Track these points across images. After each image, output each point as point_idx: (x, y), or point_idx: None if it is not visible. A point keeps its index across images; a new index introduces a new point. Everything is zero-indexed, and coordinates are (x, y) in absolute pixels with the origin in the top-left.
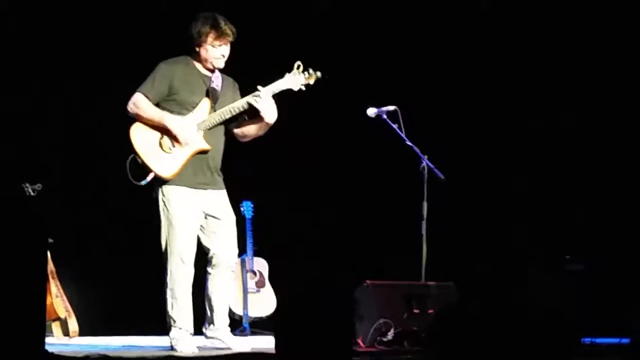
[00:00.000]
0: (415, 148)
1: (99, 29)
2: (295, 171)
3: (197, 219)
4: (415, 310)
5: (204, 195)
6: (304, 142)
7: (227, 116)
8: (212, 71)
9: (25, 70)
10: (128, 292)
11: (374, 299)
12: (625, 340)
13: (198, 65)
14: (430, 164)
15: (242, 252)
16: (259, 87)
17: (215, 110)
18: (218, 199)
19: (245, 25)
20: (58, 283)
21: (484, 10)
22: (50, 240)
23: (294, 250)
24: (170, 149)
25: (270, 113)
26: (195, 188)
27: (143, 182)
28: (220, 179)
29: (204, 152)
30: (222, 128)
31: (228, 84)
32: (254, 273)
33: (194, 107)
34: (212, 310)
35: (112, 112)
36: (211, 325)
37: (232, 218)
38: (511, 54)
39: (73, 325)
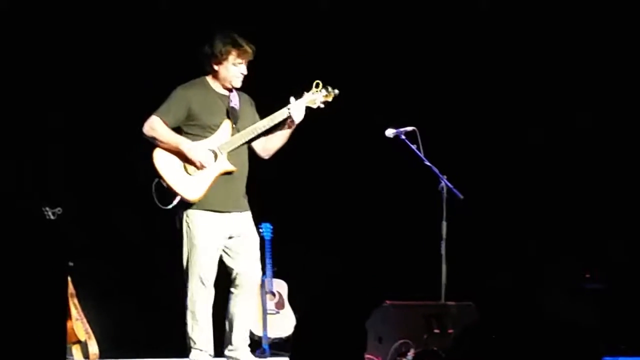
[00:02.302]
0: (434, 168)
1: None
2: (314, 192)
3: (219, 242)
4: (436, 331)
5: (228, 218)
6: (323, 163)
7: (257, 133)
8: (230, 90)
9: (43, 93)
10: (148, 314)
11: (393, 320)
12: None
13: (214, 86)
14: (449, 184)
15: (261, 273)
16: (291, 100)
17: (237, 130)
18: (243, 221)
19: (262, 43)
20: (78, 306)
21: (504, 35)
22: (71, 264)
23: (313, 272)
24: (195, 172)
25: (301, 116)
26: (219, 212)
27: (170, 206)
28: (245, 201)
29: (228, 173)
30: (245, 148)
31: (245, 101)
32: (273, 294)
33: (215, 129)
34: (231, 330)
35: (132, 135)
36: (230, 346)
37: (256, 239)
38: (527, 73)
39: (93, 348)
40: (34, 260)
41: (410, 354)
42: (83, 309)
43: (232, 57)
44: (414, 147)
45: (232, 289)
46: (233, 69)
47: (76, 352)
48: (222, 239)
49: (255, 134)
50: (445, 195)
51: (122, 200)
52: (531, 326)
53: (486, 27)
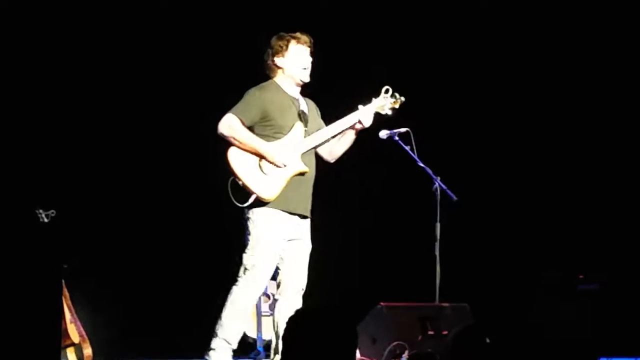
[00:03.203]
0: (428, 169)
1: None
2: None
3: (282, 243)
4: (430, 332)
5: (294, 221)
6: (317, 164)
7: (330, 136)
8: (300, 88)
9: (37, 95)
10: (142, 317)
11: (388, 321)
12: None
13: (285, 87)
14: (442, 185)
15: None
16: (360, 107)
17: (308, 133)
18: (305, 226)
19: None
20: (72, 308)
21: (498, 38)
22: (65, 266)
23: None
24: (270, 172)
25: (370, 121)
26: (289, 213)
27: (246, 204)
28: (309, 206)
29: (301, 174)
30: (313, 152)
31: (311, 106)
32: (268, 296)
33: (287, 131)
34: (277, 338)
35: (127, 137)
36: (277, 356)
37: (310, 247)
38: (521, 76)
39: (87, 350)
40: (29, 262)
41: (405, 356)
42: (77, 312)
43: (292, 46)
44: (407, 148)
45: (275, 295)
46: (297, 60)
47: (70, 354)
48: (283, 241)
49: (328, 137)
50: (439, 196)
51: (116, 203)
52: (525, 328)
53: (479, 31)
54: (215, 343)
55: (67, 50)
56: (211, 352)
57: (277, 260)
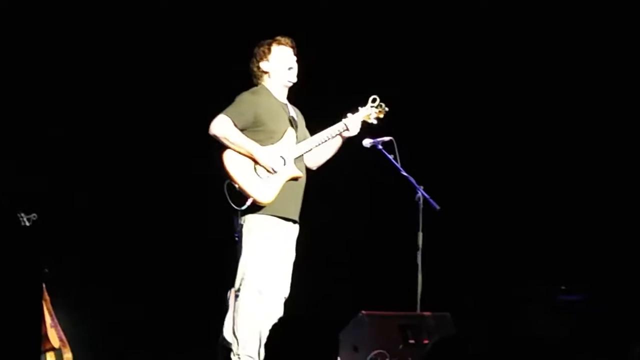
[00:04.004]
0: (411, 178)
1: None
2: None
3: (278, 250)
4: (411, 341)
5: (288, 227)
6: None
7: (321, 142)
8: (286, 96)
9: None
10: (123, 322)
11: (369, 329)
12: None
13: (275, 94)
14: (425, 194)
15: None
16: (348, 115)
17: (298, 139)
18: (294, 233)
19: None
20: (52, 312)
21: (488, 51)
22: (46, 270)
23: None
24: (265, 175)
25: (357, 130)
26: (283, 219)
27: (243, 207)
28: (299, 211)
29: (295, 179)
30: (302, 158)
31: (298, 113)
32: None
33: (279, 136)
34: (260, 344)
35: (108, 139)
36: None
37: (294, 256)
38: (504, 85)
39: (67, 355)
40: (9, 266)
41: None
42: (58, 317)
43: (275, 48)
44: (391, 157)
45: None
46: (281, 61)
47: (50, 359)
48: (278, 246)
49: (319, 143)
50: (421, 205)
51: (98, 206)
52: (506, 338)
53: (462, 41)
54: None
55: (49, 49)
56: None
57: (273, 265)
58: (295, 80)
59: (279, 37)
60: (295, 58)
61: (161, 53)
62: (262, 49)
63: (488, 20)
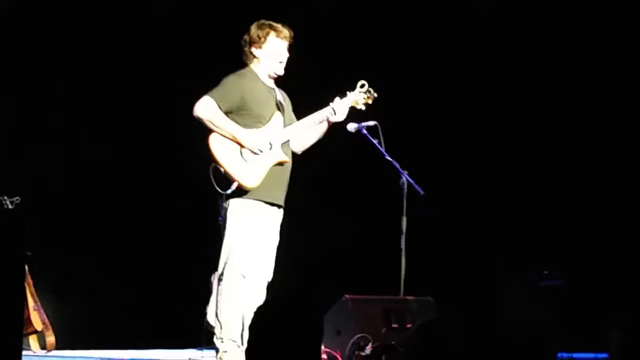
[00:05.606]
0: (395, 163)
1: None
2: None
3: (262, 234)
4: (394, 325)
5: (272, 212)
6: None
7: (308, 127)
8: (274, 81)
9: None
10: (106, 305)
11: (352, 314)
12: (602, 356)
13: (262, 77)
14: (409, 179)
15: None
16: (336, 99)
17: (285, 123)
18: (279, 217)
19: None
20: (35, 296)
21: (475, 36)
22: (28, 253)
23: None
24: (250, 159)
25: (344, 115)
26: (268, 204)
27: (229, 191)
28: (284, 196)
29: (281, 164)
30: (288, 143)
31: (285, 97)
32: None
33: (265, 121)
34: (243, 328)
35: (94, 122)
36: (243, 346)
37: (277, 240)
38: (492, 71)
39: (50, 338)
40: None
41: (368, 348)
42: (40, 300)
43: (271, 38)
44: (375, 141)
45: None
46: (274, 53)
47: (33, 342)
48: (262, 230)
49: (306, 127)
50: (405, 190)
51: (80, 190)
52: (488, 323)
53: (448, 26)
54: (224, 346)
55: (38, 43)
56: (224, 355)
57: (258, 249)
58: (281, 73)
59: (280, 27)
60: (287, 53)
61: (151, 47)
62: (259, 33)
63: (471, 6)
